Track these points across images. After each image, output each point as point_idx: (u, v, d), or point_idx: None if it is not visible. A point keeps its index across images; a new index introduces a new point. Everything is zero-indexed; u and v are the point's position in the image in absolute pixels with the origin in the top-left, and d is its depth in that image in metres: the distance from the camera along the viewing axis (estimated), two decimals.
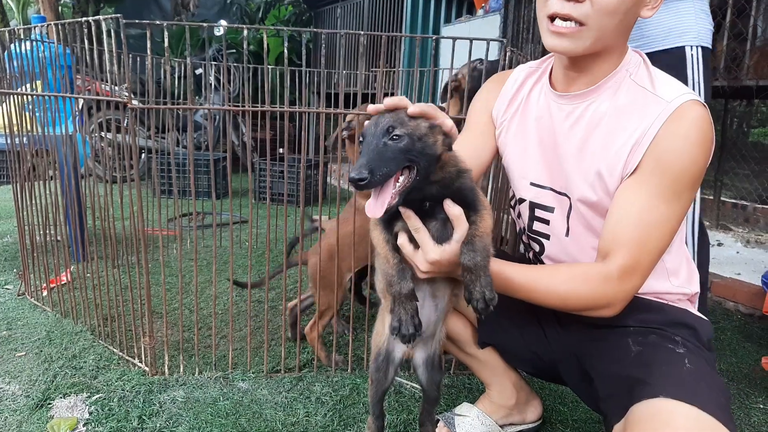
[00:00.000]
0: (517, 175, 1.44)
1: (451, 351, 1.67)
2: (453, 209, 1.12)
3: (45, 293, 2.61)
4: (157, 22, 1.79)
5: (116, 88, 1.96)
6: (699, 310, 1.35)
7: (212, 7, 11.04)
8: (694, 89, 1.86)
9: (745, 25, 3.42)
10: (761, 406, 1.96)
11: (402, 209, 1.14)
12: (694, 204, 1.94)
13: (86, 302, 2.38)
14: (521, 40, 4.76)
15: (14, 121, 2.42)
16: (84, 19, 1.92)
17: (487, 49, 1.85)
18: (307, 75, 4.38)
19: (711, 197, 4.44)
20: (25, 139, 2.44)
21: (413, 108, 1.07)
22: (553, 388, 2.01)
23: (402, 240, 1.17)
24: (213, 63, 5.59)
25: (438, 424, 1.64)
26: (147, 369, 1.98)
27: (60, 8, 8.77)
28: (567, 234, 1.34)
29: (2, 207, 4.58)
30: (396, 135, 1.04)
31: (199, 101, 5.99)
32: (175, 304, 2.59)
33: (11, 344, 2.18)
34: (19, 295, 2.69)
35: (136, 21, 1.76)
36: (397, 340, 1.22)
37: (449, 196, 1.14)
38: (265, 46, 1.84)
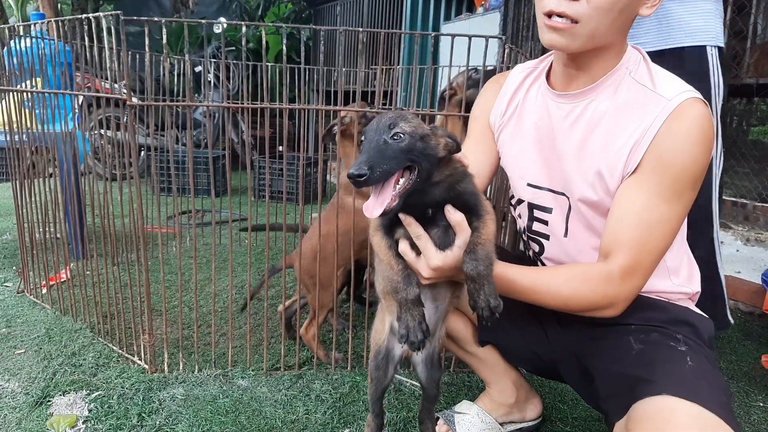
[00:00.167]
0: (514, 175, 1.43)
1: (451, 349, 1.67)
2: (454, 215, 1.11)
3: (44, 291, 2.61)
4: (156, 19, 1.78)
5: (115, 85, 1.96)
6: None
7: (211, 5, 11.02)
8: (715, 88, 1.87)
9: (746, 23, 3.42)
10: (761, 405, 1.96)
11: (402, 216, 1.13)
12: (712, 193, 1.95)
13: (86, 300, 2.38)
14: (521, 37, 4.76)
15: (14, 119, 2.42)
16: (83, 15, 1.92)
17: (486, 46, 1.85)
18: (307, 72, 4.37)
19: None
20: (24, 136, 2.44)
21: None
22: (553, 385, 2.01)
23: (404, 247, 1.17)
24: (212, 60, 5.58)
25: (438, 422, 1.64)
26: (146, 366, 1.98)
27: (59, 5, 8.75)
28: (565, 235, 1.34)
29: (2, 204, 4.58)
30: (397, 134, 1.03)
31: (198, 99, 5.98)
32: (174, 302, 2.59)
33: (10, 342, 2.18)
34: (18, 293, 2.68)
35: (135, 18, 1.76)
36: (405, 347, 1.21)
37: (451, 201, 1.12)
38: (264, 43, 1.84)
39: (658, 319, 1.25)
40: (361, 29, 1.86)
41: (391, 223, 1.17)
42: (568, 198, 1.31)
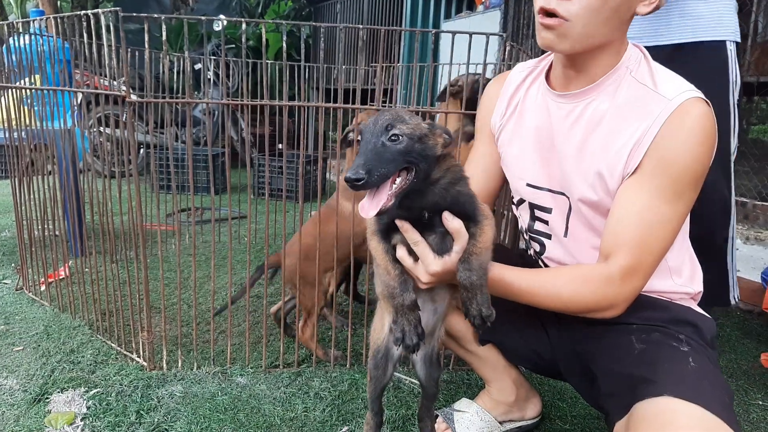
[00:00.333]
0: (514, 175, 1.43)
1: (451, 348, 1.67)
2: (452, 223, 1.11)
3: (43, 288, 2.60)
4: (156, 16, 1.78)
5: (115, 82, 1.95)
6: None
7: (211, 2, 10.98)
8: (733, 84, 1.87)
9: (746, 22, 3.41)
10: (760, 403, 1.96)
11: (399, 223, 1.13)
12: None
13: (84, 297, 2.37)
14: (521, 36, 4.74)
15: (13, 116, 2.41)
16: (83, 12, 1.91)
17: (487, 43, 1.84)
18: (307, 70, 4.36)
19: None
20: (23, 133, 2.44)
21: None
22: (553, 384, 2.01)
23: (401, 253, 1.17)
24: (212, 58, 5.57)
25: (437, 420, 1.64)
26: (145, 364, 1.98)
27: (58, 2, 8.73)
28: (565, 235, 1.34)
29: (0, 201, 4.57)
30: (395, 135, 1.02)
31: (197, 96, 5.97)
32: (173, 299, 2.59)
33: (9, 339, 2.17)
34: (17, 290, 2.68)
35: (135, 15, 1.75)
36: (401, 349, 1.22)
37: (448, 204, 1.12)
38: (264, 41, 1.83)
39: (659, 318, 1.25)
40: (361, 26, 1.86)
41: (387, 228, 1.17)
42: (567, 198, 1.30)
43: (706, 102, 1.13)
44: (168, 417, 1.71)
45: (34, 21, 2.24)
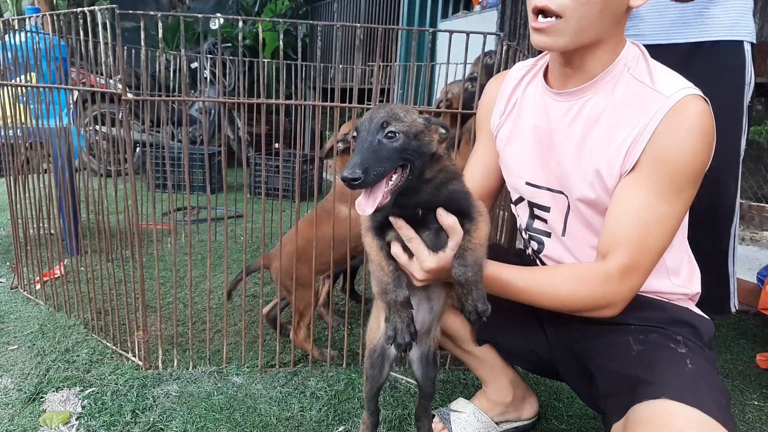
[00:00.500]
0: (513, 174, 1.43)
1: (448, 347, 1.67)
2: (447, 219, 1.11)
3: (38, 286, 2.59)
4: (152, 14, 1.77)
5: (110, 80, 1.94)
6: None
7: (208, 1, 10.96)
8: (748, 85, 1.87)
9: None
10: (756, 403, 1.96)
11: (393, 219, 1.12)
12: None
13: (80, 296, 2.36)
14: (518, 35, 4.74)
15: (8, 113, 2.40)
16: (79, 9, 1.90)
17: (484, 43, 1.84)
18: (303, 69, 4.36)
19: None
20: (18, 131, 2.42)
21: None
22: (549, 384, 2.01)
23: (396, 249, 1.16)
24: (208, 56, 5.56)
25: (433, 420, 1.63)
26: (140, 363, 1.97)
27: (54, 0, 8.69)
28: (563, 233, 1.34)
29: None
30: (391, 132, 1.02)
31: (194, 95, 5.95)
32: (169, 299, 2.58)
33: (4, 337, 2.16)
34: (11, 289, 2.67)
35: (131, 12, 1.74)
36: (392, 348, 1.21)
37: (442, 202, 1.11)
38: (261, 39, 1.83)
39: (657, 319, 1.24)
40: (358, 25, 1.85)
41: (381, 224, 1.16)
42: (566, 197, 1.30)
43: (705, 99, 1.13)
44: (163, 416, 1.70)
45: (29, 18, 2.23)
